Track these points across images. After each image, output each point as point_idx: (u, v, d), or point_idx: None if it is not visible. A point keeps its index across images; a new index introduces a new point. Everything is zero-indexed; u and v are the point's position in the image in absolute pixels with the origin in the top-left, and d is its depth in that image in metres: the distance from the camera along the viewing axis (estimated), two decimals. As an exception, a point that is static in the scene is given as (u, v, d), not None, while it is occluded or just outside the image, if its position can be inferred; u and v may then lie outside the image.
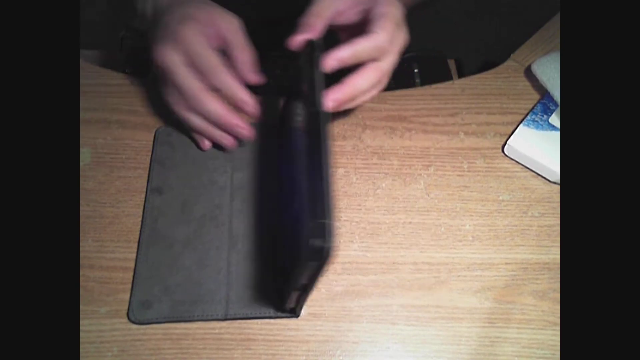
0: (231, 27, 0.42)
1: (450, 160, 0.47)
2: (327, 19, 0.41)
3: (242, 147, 0.46)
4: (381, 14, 0.40)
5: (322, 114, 0.34)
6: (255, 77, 0.42)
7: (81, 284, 0.40)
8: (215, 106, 0.41)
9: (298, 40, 0.40)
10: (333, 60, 0.39)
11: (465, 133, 0.49)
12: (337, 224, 0.43)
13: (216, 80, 0.40)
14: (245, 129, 0.42)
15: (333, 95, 0.40)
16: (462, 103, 0.50)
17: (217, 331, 0.38)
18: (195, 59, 0.40)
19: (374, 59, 0.41)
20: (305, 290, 0.34)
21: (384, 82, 0.43)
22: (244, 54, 0.42)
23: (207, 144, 0.45)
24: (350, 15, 0.43)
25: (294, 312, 0.38)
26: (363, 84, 0.41)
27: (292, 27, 0.41)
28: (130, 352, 0.37)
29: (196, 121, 0.42)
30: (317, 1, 0.41)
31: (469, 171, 0.46)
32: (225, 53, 0.42)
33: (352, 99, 0.41)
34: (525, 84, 0.52)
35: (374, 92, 0.43)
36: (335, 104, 0.40)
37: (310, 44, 0.39)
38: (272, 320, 0.39)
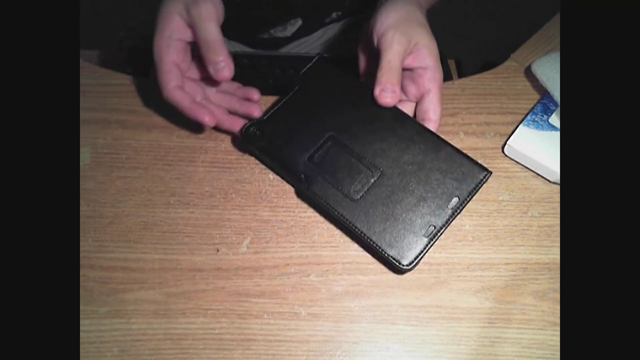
0: (200, 22, 0.40)
1: (450, 160, 0.47)
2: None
3: None
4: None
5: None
6: (223, 74, 0.41)
7: (81, 284, 0.40)
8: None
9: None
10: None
11: (465, 133, 0.49)
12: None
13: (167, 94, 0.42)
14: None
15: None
16: (462, 103, 0.50)
17: (217, 331, 0.38)
18: (157, 70, 0.42)
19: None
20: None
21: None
22: (210, 51, 0.40)
23: (207, 119, 0.42)
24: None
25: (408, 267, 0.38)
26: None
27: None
28: (130, 352, 0.37)
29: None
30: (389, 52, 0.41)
31: (469, 171, 0.46)
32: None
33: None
34: (525, 84, 0.52)
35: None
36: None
37: None
38: (272, 321, 0.39)
